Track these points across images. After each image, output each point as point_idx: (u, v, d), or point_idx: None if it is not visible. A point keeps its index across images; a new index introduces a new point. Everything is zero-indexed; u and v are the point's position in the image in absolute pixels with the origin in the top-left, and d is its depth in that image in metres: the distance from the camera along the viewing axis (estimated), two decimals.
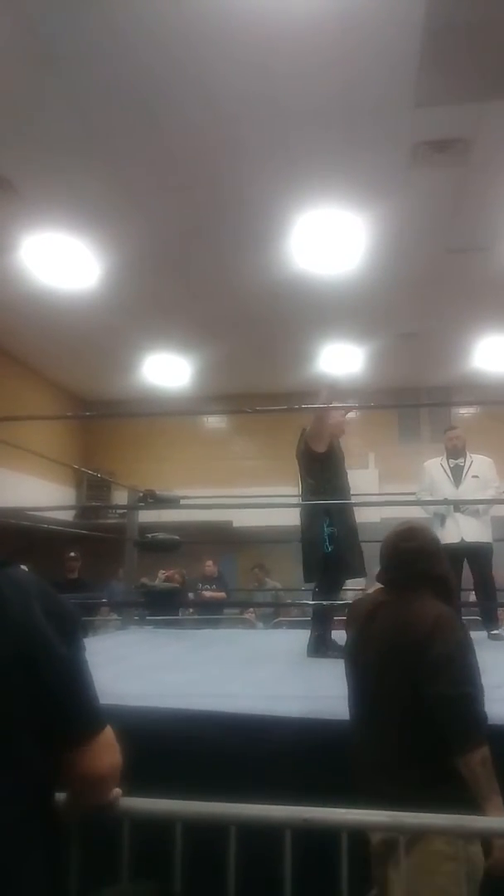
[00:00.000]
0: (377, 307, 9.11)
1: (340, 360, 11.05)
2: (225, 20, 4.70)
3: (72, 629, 1.37)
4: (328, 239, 7.41)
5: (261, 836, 1.61)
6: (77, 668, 1.35)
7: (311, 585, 4.85)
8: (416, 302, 9.06)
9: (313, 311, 9.22)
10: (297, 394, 11.30)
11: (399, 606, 2.26)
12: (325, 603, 4.58)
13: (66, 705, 1.32)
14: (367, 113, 5.60)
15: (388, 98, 5.43)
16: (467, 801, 1.90)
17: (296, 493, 5.47)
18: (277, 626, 7.88)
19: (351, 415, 4.81)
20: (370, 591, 2.64)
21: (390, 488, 9.68)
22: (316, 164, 6.18)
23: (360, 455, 11.28)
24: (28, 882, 1.25)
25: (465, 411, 12.51)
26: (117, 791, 1.52)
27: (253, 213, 6.99)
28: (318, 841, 1.61)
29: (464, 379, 11.55)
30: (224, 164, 6.26)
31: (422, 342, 10.41)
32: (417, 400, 12.48)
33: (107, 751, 1.38)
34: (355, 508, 4.87)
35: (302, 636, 4.91)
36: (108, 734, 1.39)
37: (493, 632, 5.09)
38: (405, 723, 2.11)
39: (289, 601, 8.64)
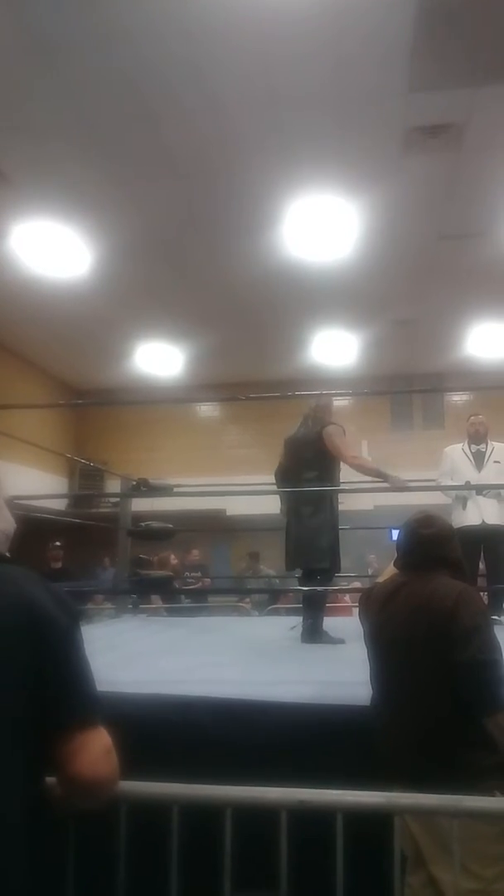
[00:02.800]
0: (370, 294, 9.11)
1: (333, 347, 11.06)
2: (218, 6, 4.67)
3: (74, 616, 1.37)
4: (321, 226, 7.40)
5: (257, 819, 1.62)
6: (80, 652, 1.35)
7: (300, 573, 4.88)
8: (408, 289, 9.05)
9: (306, 299, 9.21)
10: (291, 382, 11.31)
11: (421, 585, 2.38)
12: (319, 589, 4.62)
13: (68, 684, 1.31)
14: (360, 98, 5.58)
15: (381, 83, 5.41)
16: (491, 766, 2.08)
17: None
18: (272, 612, 7.90)
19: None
20: (380, 579, 2.74)
21: None
22: (309, 150, 6.15)
23: (353, 443, 11.28)
24: (28, 870, 1.23)
25: (457, 398, 12.53)
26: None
27: (245, 201, 6.97)
28: (313, 823, 1.62)
29: (456, 365, 11.55)
30: (216, 151, 6.23)
31: (414, 329, 10.42)
32: (410, 387, 12.49)
33: (102, 754, 1.34)
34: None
35: (296, 623, 4.95)
36: (105, 736, 1.36)
37: (493, 616, 5.14)
38: (434, 692, 2.20)
39: (282, 588, 8.65)
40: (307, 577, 4.76)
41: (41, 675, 1.27)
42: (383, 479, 4.48)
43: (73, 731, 1.30)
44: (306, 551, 4.62)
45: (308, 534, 4.60)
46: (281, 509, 5.00)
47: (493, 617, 5.07)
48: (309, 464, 4.69)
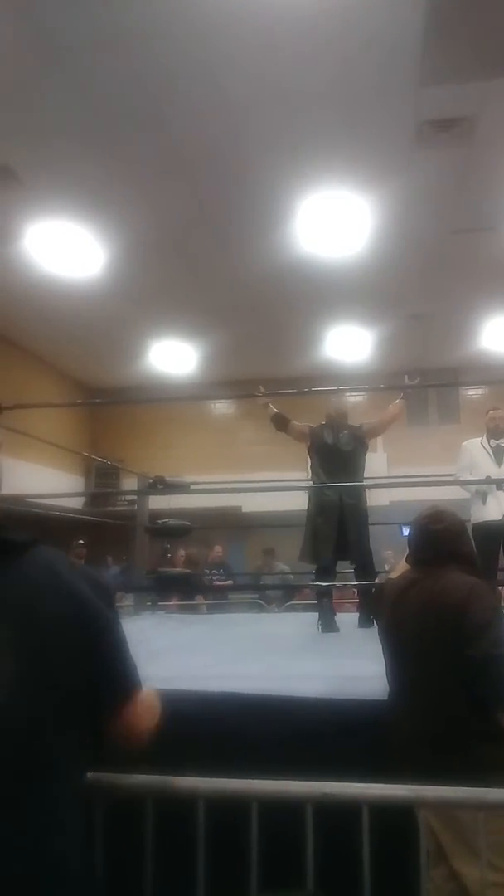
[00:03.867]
0: (383, 289, 9.08)
1: (347, 343, 11.04)
2: (227, 4, 4.67)
3: (110, 598, 1.45)
4: (333, 221, 7.38)
5: (282, 812, 1.63)
6: (120, 634, 1.42)
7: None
8: (421, 283, 9.02)
9: (319, 295, 9.20)
10: (305, 378, 11.30)
11: (433, 580, 2.39)
12: (327, 584, 5.02)
13: (116, 665, 1.39)
14: (370, 93, 5.56)
15: (392, 78, 5.40)
16: (501, 760, 2.07)
17: (304, 478, 5.58)
18: (290, 609, 7.91)
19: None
20: (392, 574, 2.75)
21: (399, 471, 9.69)
22: (320, 146, 6.15)
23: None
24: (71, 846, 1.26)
25: (473, 392, 12.47)
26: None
27: (257, 197, 6.97)
28: (338, 816, 1.63)
29: (471, 360, 11.50)
30: (227, 148, 6.24)
31: (428, 323, 10.38)
32: (424, 381, 12.44)
33: (148, 709, 1.48)
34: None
35: (315, 618, 4.99)
36: (149, 694, 1.49)
37: None
38: (448, 687, 2.22)
39: (298, 584, 8.66)
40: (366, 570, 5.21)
41: (91, 660, 1.32)
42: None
43: (124, 704, 1.40)
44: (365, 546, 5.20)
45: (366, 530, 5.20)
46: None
47: None
48: (359, 464, 5.32)
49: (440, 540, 2.48)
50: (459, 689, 2.20)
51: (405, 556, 2.65)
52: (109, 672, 1.37)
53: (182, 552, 7.42)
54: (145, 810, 1.69)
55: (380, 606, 2.61)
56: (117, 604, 1.93)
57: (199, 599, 7.79)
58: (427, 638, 2.29)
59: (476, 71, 5.35)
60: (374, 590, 2.89)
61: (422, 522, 2.55)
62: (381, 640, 2.55)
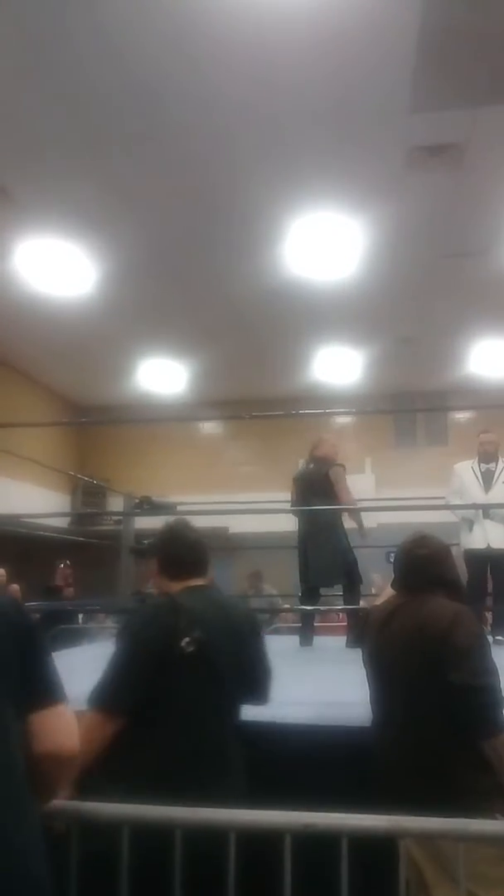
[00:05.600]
0: (373, 312, 9.12)
1: (336, 364, 11.07)
2: (221, 27, 4.71)
3: (30, 618, 1.65)
4: (323, 243, 7.42)
5: (261, 843, 1.59)
6: (43, 647, 1.59)
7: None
8: (411, 306, 9.07)
9: (309, 316, 9.22)
10: (294, 399, 11.31)
11: (417, 606, 2.37)
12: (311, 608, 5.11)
13: (35, 670, 1.53)
14: (363, 118, 5.61)
15: (384, 103, 5.44)
16: (486, 788, 2.08)
17: (289, 500, 5.61)
18: (275, 632, 7.84)
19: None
20: (379, 600, 2.74)
21: (387, 493, 9.67)
22: (312, 168, 6.19)
23: (356, 460, 11.27)
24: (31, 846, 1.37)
25: (461, 414, 12.52)
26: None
27: (249, 218, 7.00)
28: (318, 846, 1.59)
29: (459, 384, 11.55)
30: (220, 168, 6.27)
31: (417, 346, 10.42)
32: (412, 404, 12.49)
33: (65, 722, 1.53)
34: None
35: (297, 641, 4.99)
36: (69, 710, 1.55)
37: (497, 637, 5.07)
38: (432, 715, 2.20)
39: (286, 606, 8.59)
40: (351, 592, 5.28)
41: (19, 666, 1.50)
42: (358, 525, 5.37)
43: (40, 709, 1.51)
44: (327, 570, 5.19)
45: (328, 555, 5.18)
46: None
47: (499, 637, 5.06)
48: (316, 495, 5.25)
49: (425, 565, 2.47)
50: (445, 717, 2.18)
51: (391, 582, 2.63)
52: (30, 676, 1.51)
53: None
54: (122, 838, 1.65)
55: (365, 632, 2.58)
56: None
57: None
58: (411, 664, 2.27)
59: (466, 98, 5.41)
60: (360, 614, 2.87)
61: (407, 547, 2.54)
62: (365, 665, 2.52)
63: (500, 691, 2.15)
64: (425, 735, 2.20)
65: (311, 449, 5.57)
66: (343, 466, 5.39)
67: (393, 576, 2.60)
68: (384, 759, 2.31)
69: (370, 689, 2.47)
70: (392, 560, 2.67)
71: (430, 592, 2.41)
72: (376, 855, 1.70)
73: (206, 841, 1.62)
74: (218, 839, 1.61)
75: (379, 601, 2.74)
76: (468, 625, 2.26)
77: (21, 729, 1.46)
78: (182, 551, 2.41)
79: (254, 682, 2.36)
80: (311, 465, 5.47)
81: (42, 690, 1.52)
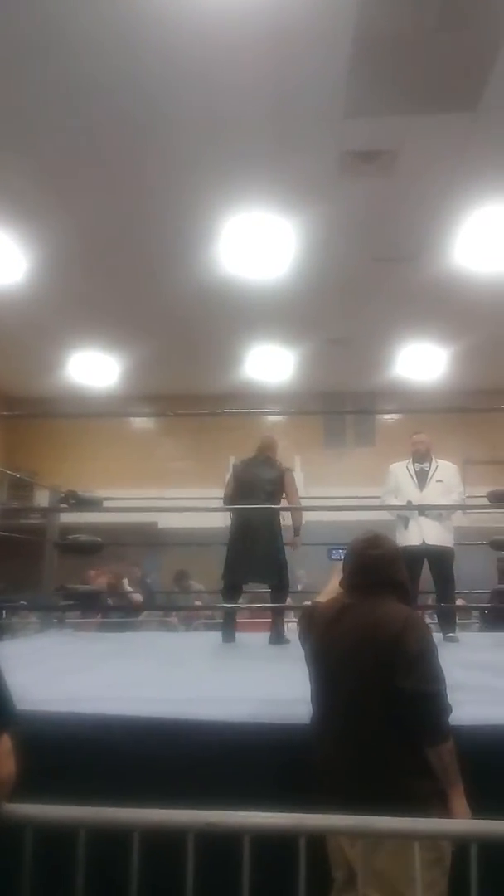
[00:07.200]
0: (304, 312, 9.21)
1: (268, 363, 11.13)
2: (161, 22, 4.70)
3: None
4: (258, 243, 7.46)
5: (166, 842, 1.60)
6: None
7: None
8: (342, 308, 9.20)
9: (241, 314, 9.26)
10: (226, 396, 11.33)
11: (367, 608, 2.34)
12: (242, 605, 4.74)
13: None
14: (298, 120, 5.68)
15: (319, 106, 5.52)
16: (425, 794, 2.09)
17: (221, 496, 5.60)
18: (197, 628, 7.86)
19: None
20: (321, 598, 2.71)
21: (316, 492, 9.75)
22: (246, 168, 6.22)
23: (286, 458, 11.36)
24: None
25: (388, 417, 12.74)
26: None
27: (183, 215, 6.98)
28: (221, 845, 1.61)
29: (387, 385, 11.76)
30: (154, 165, 6.24)
31: (347, 348, 10.57)
32: (342, 404, 12.65)
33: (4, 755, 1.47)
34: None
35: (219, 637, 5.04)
36: (7, 741, 1.46)
37: (448, 634, 5.20)
38: (378, 718, 2.19)
39: (212, 603, 8.61)
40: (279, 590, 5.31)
41: None
42: (296, 526, 5.38)
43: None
44: (272, 568, 5.22)
45: (274, 553, 5.23)
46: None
47: (450, 634, 5.19)
48: (271, 493, 5.31)
49: (376, 566, 2.43)
50: (388, 720, 2.17)
51: (339, 580, 2.56)
52: None
53: (92, 571, 7.28)
54: (25, 840, 1.64)
55: (310, 629, 2.56)
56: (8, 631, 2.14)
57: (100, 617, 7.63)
58: (360, 669, 2.24)
59: (398, 106, 5.53)
60: (302, 611, 2.82)
61: (358, 547, 2.48)
62: (308, 663, 2.47)
63: (447, 698, 2.16)
64: (368, 737, 2.19)
65: (262, 447, 5.56)
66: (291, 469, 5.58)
67: (318, 573, 2.58)
68: (324, 757, 2.29)
69: (312, 686, 2.44)
70: (333, 557, 2.64)
71: (381, 594, 2.38)
72: (283, 853, 1.71)
73: (112, 841, 1.61)
74: (124, 839, 1.61)
75: (322, 598, 2.70)
76: (419, 630, 2.26)
77: None
78: None
79: None
80: (262, 464, 5.46)
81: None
